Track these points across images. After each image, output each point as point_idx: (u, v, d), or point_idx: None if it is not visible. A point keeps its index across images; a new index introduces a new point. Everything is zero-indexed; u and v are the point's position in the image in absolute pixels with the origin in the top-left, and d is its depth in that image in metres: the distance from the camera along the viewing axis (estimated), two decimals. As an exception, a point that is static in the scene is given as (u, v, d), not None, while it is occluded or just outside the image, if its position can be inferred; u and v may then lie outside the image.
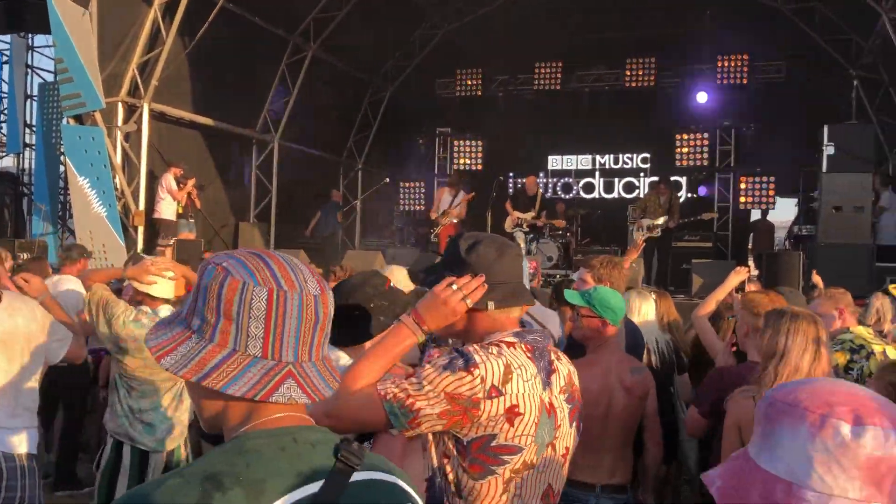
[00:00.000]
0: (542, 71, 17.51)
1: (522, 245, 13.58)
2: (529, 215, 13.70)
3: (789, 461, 0.94)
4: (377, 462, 1.28)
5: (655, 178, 14.63)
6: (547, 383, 1.95)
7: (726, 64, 16.11)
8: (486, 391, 1.80)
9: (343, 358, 2.33)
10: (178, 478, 1.11)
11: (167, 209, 12.29)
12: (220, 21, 12.68)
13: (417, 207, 18.53)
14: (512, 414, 1.84)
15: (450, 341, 2.62)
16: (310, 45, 15.20)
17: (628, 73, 16.82)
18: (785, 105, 15.90)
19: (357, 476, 1.19)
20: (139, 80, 12.18)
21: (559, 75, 17.42)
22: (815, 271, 8.18)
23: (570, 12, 17.23)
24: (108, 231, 11.15)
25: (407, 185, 18.58)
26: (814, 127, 13.56)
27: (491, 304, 1.95)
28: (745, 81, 16.07)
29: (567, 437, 2.00)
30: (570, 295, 3.66)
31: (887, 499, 0.89)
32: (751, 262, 15.59)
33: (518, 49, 18.31)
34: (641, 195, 16.72)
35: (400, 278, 5.23)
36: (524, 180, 14.92)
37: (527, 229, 13.74)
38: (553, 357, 2.03)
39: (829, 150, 11.63)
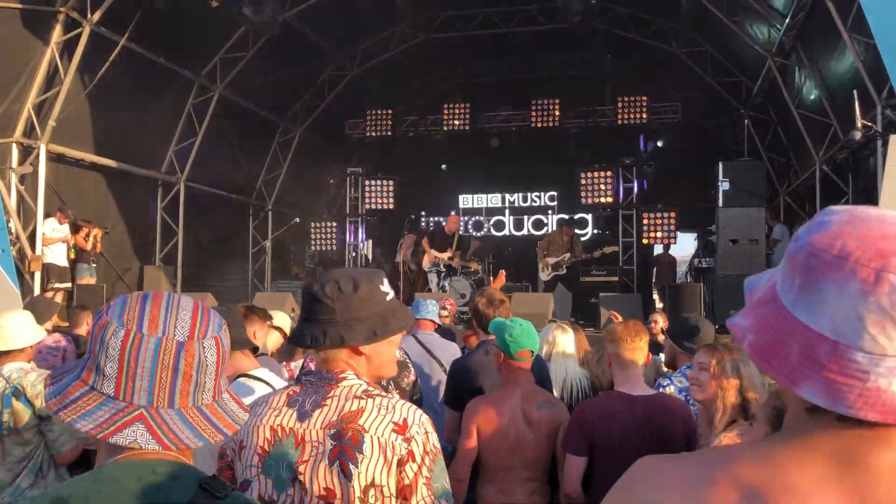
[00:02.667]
0: (451, 112, 17.81)
1: (435, 283, 13.66)
2: (446, 255, 13.78)
3: (836, 319, 0.83)
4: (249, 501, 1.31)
5: (564, 216, 15.05)
6: (306, 416, 1.90)
7: (627, 105, 16.73)
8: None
9: None
10: (28, 502, 1.15)
11: (55, 254, 11.84)
12: (122, 60, 12.40)
13: (329, 248, 18.40)
14: (240, 448, 1.93)
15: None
16: (216, 86, 15.02)
17: (533, 113, 17.27)
18: (682, 143, 16.65)
19: None
20: (35, 121, 11.75)
21: (467, 116, 17.74)
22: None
23: (475, 56, 17.68)
24: (2, 277, 10.62)
25: (318, 225, 18.44)
26: (709, 164, 14.25)
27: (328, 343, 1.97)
28: (644, 121, 16.72)
29: (321, 474, 1.84)
30: (491, 324, 3.76)
31: None
32: (655, 295, 16.12)
33: (426, 90, 18.64)
34: (551, 230, 17.16)
35: (280, 321, 5.18)
36: (444, 219, 15.05)
37: (443, 269, 13.82)
38: (337, 394, 1.92)
39: (724, 185, 12.21)
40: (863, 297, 0.82)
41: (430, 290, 13.58)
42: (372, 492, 1.83)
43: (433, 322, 5.60)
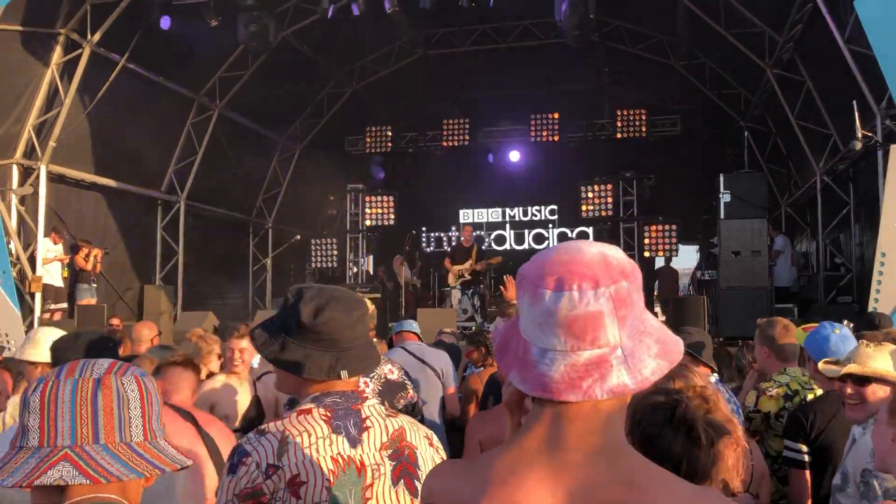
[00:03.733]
0: (450, 127, 17.82)
1: (457, 300, 13.66)
2: (468, 265, 13.79)
3: (524, 324, 1.12)
4: None
5: (565, 230, 15.01)
6: (356, 441, 1.87)
7: (626, 118, 16.75)
8: (263, 472, 1.76)
9: None
10: None
11: (51, 274, 11.83)
12: (121, 80, 12.44)
13: (330, 265, 18.37)
14: (295, 485, 1.78)
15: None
16: (216, 104, 15.05)
17: (533, 128, 17.28)
18: (682, 156, 16.66)
19: None
20: (36, 142, 11.77)
21: (466, 131, 17.75)
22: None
23: (474, 71, 17.72)
24: (2, 298, 10.59)
25: (318, 242, 18.42)
26: (710, 176, 14.25)
27: (344, 374, 1.91)
28: (644, 134, 16.74)
29: (388, 496, 1.88)
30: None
31: (590, 346, 1.06)
32: (657, 308, 16.07)
33: (425, 106, 18.68)
34: (552, 244, 17.12)
35: None
36: (443, 234, 15.00)
37: (468, 278, 13.82)
38: (368, 413, 1.93)
39: (725, 197, 12.19)
40: (529, 305, 1.11)
41: (451, 307, 13.65)
42: None
43: (416, 335, 5.81)
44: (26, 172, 11.81)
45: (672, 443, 1.66)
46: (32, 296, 11.57)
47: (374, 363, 2.05)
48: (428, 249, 18.71)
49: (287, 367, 1.92)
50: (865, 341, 3.04)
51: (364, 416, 1.92)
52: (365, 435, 1.89)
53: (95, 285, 12.59)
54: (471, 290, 13.75)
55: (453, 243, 18.45)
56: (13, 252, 11.17)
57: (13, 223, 11.45)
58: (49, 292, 11.77)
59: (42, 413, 1.26)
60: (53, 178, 12.22)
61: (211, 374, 4.70)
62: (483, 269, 13.93)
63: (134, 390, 1.31)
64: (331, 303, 1.93)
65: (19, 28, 10.76)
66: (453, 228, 18.70)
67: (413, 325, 5.93)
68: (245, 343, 4.59)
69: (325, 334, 1.90)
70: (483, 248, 18.12)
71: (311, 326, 1.90)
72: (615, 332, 1.07)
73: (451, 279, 14.06)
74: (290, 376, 1.93)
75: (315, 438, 1.83)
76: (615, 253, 1.13)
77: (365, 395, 1.98)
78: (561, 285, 1.07)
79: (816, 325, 4.01)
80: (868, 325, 5.56)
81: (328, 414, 1.87)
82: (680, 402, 1.73)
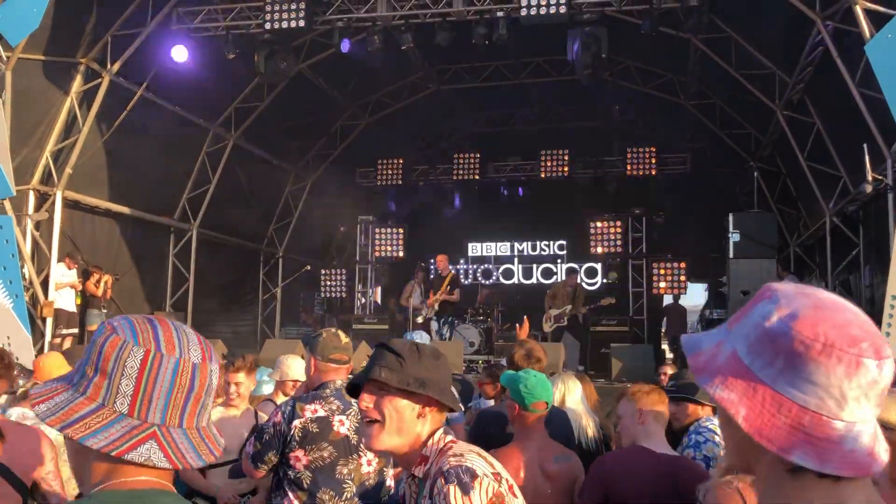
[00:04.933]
0: (461, 161, 17.96)
1: (434, 331, 13.60)
2: (440, 294, 13.76)
3: (822, 396, 1.01)
4: None
5: (574, 265, 15.05)
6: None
7: (635, 156, 16.85)
8: (497, 482, 1.95)
9: None
10: None
11: (64, 299, 11.91)
12: (139, 109, 12.63)
13: (339, 295, 18.43)
14: (512, 493, 1.98)
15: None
16: (231, 134, 15.23)
17: (543, 164, 17.40)
18: (692, 194, 16.71)
19: None
20: (52, 168, 11.93)
21: (477, 165, 17.89)
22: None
23: (486, 107, 17.92)
24: (14, 323, 10.63)
25: (328, 272, 18.51)
26: (719, 215, 14.29)
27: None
28: (653, 172, 16.81)
29: None
30: (503, 377, 3.72)
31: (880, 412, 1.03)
32: (665, 346, 16.03)
33: (437, 140, 18.87)
34: (560, 280, 17.15)
35: (294, 367, 5.19)
36: (453, 267, 15.02)
37: (437, 309, 13.76)
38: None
39: (734, 237, 12.23)
40: (847, 378, 1.00)
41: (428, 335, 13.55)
42: None
43: None
44: (42, 198, 11.96)
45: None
46: (44, 320, 11.64)
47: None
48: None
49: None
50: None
51: None
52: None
53: (106, 311, 12.66)
54: (442, 320, 13.72)
55: (461, 276, 18.52)
56: (27, 276, 11.27)
57: (28, 248, 11.56)
58: (61, 317, 11.85)
59: (139, 383, 1.22)
60: (69, 204, 12.36)
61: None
62: (454, 299, 13.86)
63: (217, 378, 1.31)
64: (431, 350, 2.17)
65: (42, 58, 10.99)
66: (462, 261, 18.77)
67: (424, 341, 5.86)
68: (242, 377, 4.63)
69: (439, 380, 2.11)
70: (489, 281, 18.18)
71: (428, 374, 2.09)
72: None
73: (425, 311, 14.02)
74: None
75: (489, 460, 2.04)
76: None
77: None
78: (879, 353, 1.01)
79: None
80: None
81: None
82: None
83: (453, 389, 2.48)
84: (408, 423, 2.03)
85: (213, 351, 1.31)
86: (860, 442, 1.00)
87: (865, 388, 1.00)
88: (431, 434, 2.05)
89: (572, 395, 4.85)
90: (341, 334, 3.64)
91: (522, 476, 3.44)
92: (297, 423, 3.34)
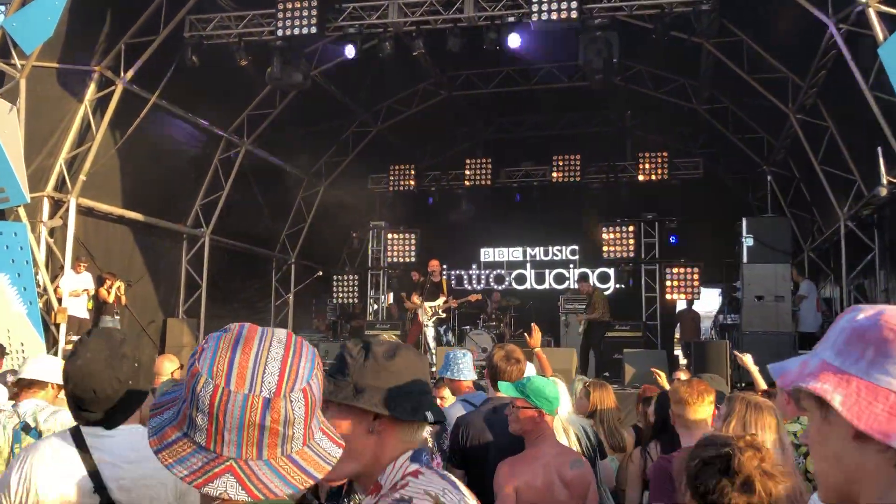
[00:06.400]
0: (473, 166, 17.97)
1: (432, 337, 13.51)
2: (440, 301, 13.64)
3: None
4: None
5: (586, 270, 15.00)
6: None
7: (648, 161, 16.80)
8: None
9: None
10: None
11: (74, 305, 11.97)
12: (152, 117, 12.71)
13: (351, 300, 18.45)
14: None
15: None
16: (243, 141, 15.30)
17: (555, 169, 17.37)
18: (704, 199, 16.64)
19: None
20: (66, 175, 12.01)
21: (489, 171, 17.89)
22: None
23: (497, 112, 17.92)
24: (28, 329, 10.71)
25: (340, 278, 18.54)
26: (732, 220, 14.21)
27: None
28: (665, 177, 16.76)
29: None
30: (505, 387, 3.63)
31: None
32: (678, 351, 15.95)
33: (449, 146, 18.89)
34: (572, 286, 17.12)
35: None
36: (465, 272, 14.99)
37: (443, 315, 13.67)
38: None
39: (748, 241, 12.15)
40: None
41: (434, 345, 13.47)
42: None
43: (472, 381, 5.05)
44: (56, 205, 12.04)
45: (729, 496, 1.65)
46: (58, 326, 11.71)
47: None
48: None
49: None
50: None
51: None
52: None
53: (119, 317, 12.71)
54: (444, 328, 13.62)
55: (473, 281, 18.51)
56: (41, 283, 11.34)
57: (42, 255, 11.64)
58: (73, 323, 11.90)
59: (210, 418, 1.20)
60: (82, 211, 12.44)
61: None
62: (457, 305, 13.75)
63: (301, 407, 1.23)
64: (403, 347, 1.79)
65: (56, 65, 11.08)
66: (474, 266, 18.77)
67: (468, 371, 5.04)
68: None
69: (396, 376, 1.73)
70: (502, 287, 18.15)
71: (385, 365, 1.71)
72: None
73: (422, 316, 13.74)
74: None
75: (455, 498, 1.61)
76: None
77: None
78: None
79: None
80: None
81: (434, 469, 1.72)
82: (732, 454, 1.73)
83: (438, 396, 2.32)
84: (359, 443, 1.63)
85: (298, 379, 1.24)
86: None
87: None
88: (395, 457, 1.65)
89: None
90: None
91: (541, 483, 3.41)
92: None
